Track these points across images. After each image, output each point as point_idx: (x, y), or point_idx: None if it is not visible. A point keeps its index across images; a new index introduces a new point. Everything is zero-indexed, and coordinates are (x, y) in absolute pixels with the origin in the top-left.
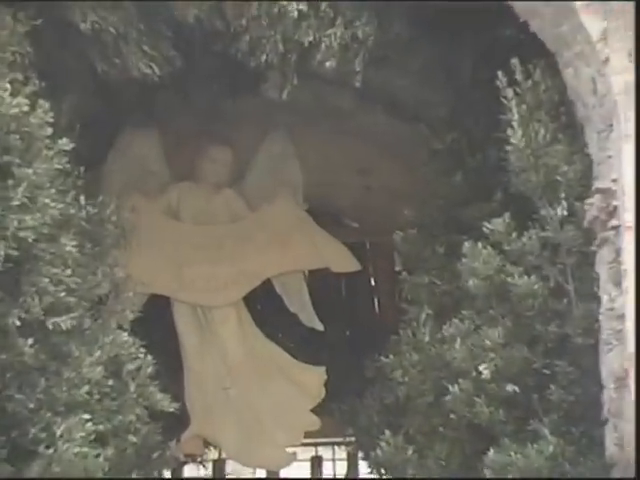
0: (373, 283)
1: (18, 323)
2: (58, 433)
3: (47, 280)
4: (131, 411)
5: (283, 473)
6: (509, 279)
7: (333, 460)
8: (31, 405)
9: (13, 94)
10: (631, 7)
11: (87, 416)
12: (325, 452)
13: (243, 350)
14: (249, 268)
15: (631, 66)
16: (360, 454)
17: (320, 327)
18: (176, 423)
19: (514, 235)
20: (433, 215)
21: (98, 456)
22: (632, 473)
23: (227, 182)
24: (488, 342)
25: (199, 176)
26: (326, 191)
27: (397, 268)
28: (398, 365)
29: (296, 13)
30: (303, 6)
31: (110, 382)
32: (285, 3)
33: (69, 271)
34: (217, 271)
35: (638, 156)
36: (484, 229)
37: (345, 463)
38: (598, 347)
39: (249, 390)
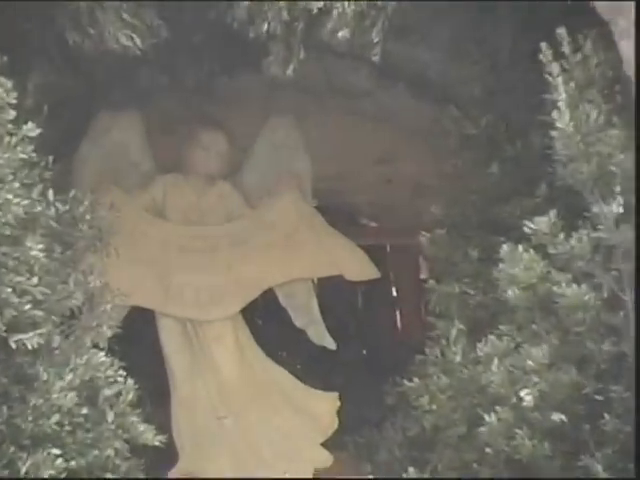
0: (395, 293)
1: None
2: (23, 470)
3: (9, 290)
4: (109, 445)
5: None
6: (555, 288)
7: None
8: None
9: None
10: None
11: (57, 451)
12: None
13: (241, 372)
14: (248, 276)
15: None
16: None
17: (332, 345)
18: (162, 458)
19: (561, 236)
20: (465, 213)
21: None
22: None
23: (222, 174)
24: (530, 363)
25: (189, 167)
26: (339, 185)
27: (423, 275)
28: (424, 390)
29: None
30: None
31: (84, 411)
32: None
33: (35, 279)
34: (210, 279)
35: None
36: (526, 229)
37: None
38: None
39: (248, 420)
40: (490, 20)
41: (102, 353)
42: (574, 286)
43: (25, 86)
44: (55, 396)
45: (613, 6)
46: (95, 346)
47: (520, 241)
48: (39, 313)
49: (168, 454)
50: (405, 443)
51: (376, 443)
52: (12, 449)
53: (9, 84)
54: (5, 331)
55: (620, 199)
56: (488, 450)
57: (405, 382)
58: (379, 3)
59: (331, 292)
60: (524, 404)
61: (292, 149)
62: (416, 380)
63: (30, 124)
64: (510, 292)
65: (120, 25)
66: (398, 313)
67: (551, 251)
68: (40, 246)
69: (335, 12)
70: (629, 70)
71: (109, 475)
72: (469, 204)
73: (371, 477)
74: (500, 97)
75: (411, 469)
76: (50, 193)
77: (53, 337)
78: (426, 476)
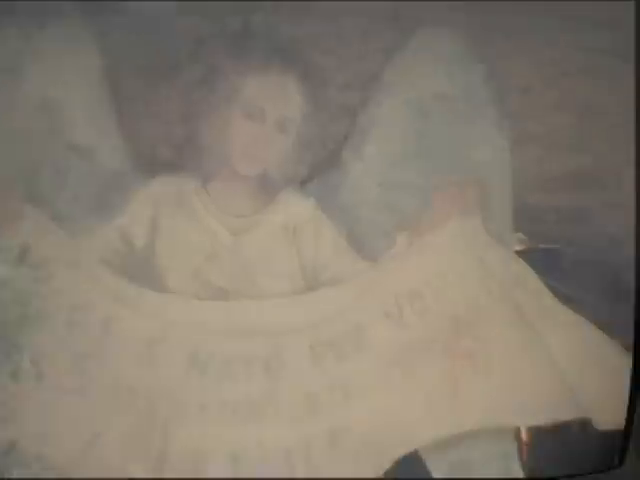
0: None
1: None
2: None
3: None
4: None
5: None
6: None
7: None
8: None
9: None
10: None
11: None
12: None
13: None
14: (359, 426)
15: None
16: None
17: None
18: None
19: None
20: None
21: None
22: None
23: (291, 175)
24: None
25: (214, 160)
26: (580, 199)
27: None
28: None
29: None
30: None
31: None
32: None
33: None
34: (263, 435)
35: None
36: None
37: None
38: None
39: None
40: None
41: None
42: None
43: None
44: None
45: None
46: None
47: None
48: None
49: None
50: None
51: None
52: None
53: None
54: None
55: None
56: None
57: None
58: None
59: (559, 455)
60: None
61: (462, 112)
62: None
63: None
64: None
65: None
66: None
67: None
68: None
69: None
70: None
71: None
72: None
73: None
74: None
75: None
76: None
77: None
78: None
